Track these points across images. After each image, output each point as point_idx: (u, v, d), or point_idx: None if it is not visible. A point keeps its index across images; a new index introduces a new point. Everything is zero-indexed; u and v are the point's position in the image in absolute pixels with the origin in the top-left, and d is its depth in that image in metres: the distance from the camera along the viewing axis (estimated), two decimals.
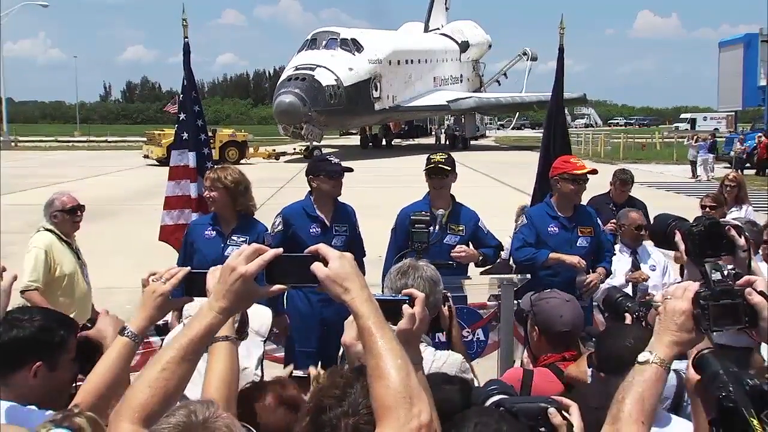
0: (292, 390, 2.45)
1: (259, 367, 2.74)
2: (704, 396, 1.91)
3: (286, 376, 2.82)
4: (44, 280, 5.42)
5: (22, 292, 5.25)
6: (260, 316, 2.80)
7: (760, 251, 4.60)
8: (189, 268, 2.39)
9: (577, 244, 5.43)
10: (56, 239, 5.56)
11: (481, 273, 6.10)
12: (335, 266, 1.74)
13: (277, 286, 1.81)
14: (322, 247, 1.79)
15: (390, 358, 1.64)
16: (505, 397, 2.11)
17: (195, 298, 2.32)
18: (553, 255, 5.30)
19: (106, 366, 2.26)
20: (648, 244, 6.05)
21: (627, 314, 3.84)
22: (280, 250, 1.83)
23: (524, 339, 3.89)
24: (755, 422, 1.73)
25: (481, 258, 5.51)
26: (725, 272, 1.96)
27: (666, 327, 1.85)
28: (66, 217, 5.61)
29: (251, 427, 1.72)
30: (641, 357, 1.85)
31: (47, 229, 5.59)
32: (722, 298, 1.82)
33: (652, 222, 2.56)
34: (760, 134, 32.82)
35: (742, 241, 2.27)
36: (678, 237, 2.26)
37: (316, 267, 1.75)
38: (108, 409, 2.23)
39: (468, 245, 5.45)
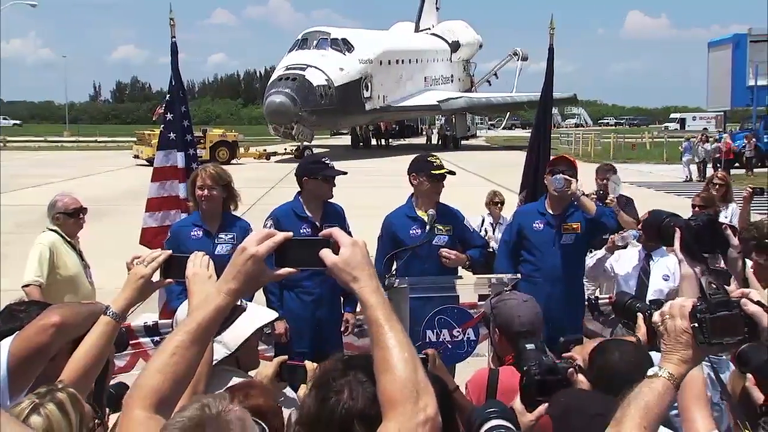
0: (258, 398, 2.37)
1: None
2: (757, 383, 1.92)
3: (256, 381, 2.75)
4: (48, 277, 5.47)
5: (25, 286, 5.35)
6: (240, 329, 2.69)
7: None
8: (170, 251, 2.42)
9: (561, 242, 5.47)
10: (60, 240, 5.62)
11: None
12: (346, 253, 1.73)
13: (286, 269, 1.81)
14: (336, 232, 1.78)
15: (397, 351, 1.65)
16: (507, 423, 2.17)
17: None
18: None
19: (90, 344, 2.34)
20: (671, 255, 5.95)
21: (639, 314, 3.86)
22: (291, 233, 1.82)
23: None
24: None
25: (468, 262, 5.50)
26: (717, 268, 1.96)
27: (672, 347, 1.84)
28: (68, 220, 5.68)
29: (263, 424, 1.74)
30: (650, 371, 1.84)
31: (51, 230, 5.66)
32: (719, 311, 1.79)
33: (645, 218, 2.59)
34: (725, 135, 33.09)
35: (736, 241, 2.29)
36: (677, 233, 2.29)
37: (325, 254, 1.74)
38: (89, 386, 2.32)
39: (455, 245, 5.45)
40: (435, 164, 5.37)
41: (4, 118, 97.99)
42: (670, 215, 2.41)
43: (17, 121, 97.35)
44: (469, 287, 5.26)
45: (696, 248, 2.18)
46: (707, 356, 1.88)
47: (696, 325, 1.80)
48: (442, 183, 5.39)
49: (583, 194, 5.47)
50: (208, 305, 1.82)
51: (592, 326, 5.79)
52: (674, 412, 2.33)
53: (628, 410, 1.79)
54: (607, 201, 7.04)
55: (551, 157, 5.83)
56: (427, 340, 4.58)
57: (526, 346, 2.74)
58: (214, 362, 2.68)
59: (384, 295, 1.74)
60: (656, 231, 2.42)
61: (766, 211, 12.90)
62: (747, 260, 5.14)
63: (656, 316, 1.92)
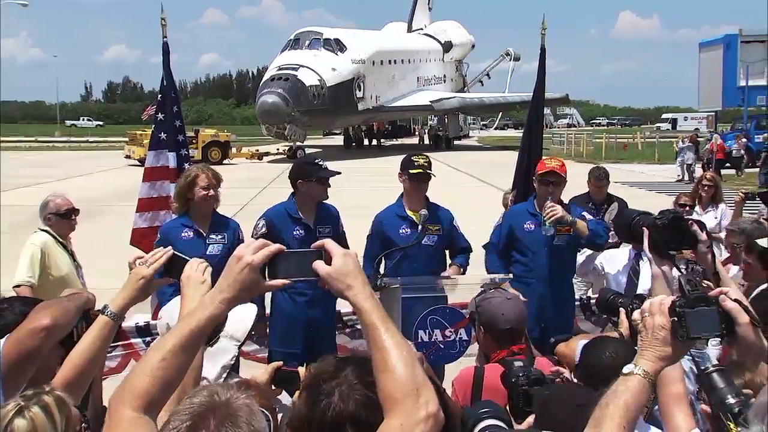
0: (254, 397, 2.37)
1: (224, 376, 2.63)
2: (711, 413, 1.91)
3: (251, 381, 2.75)
4: (39, 278, 5.45)
5: (16, 287, 5.33)
6: (241, 317, 2.72)
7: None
8: (171, 249, 2.44)
9: (554, 242, 5.49)
10: (52, 240, 5.60)
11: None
12: (338, 263, 1.79)
13: (279, 280, 1.85)
14: (328, 243, 1.83)
15: (395, 351, 1.70)
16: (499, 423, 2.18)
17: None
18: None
19: (87, 344, 2.34)
20: None
21: (621, 309, 3.88)
22: (284, 247, 1.86)
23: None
24: (733, 427, 1.74)
25: (461, 271, 5.53)
26: (692, 269, 1.97)
27: (649, 344, 1.85)
28: (60, 221, 5.67)
29: (268, 413, 1.76)
30: (626, 369, 1.85)
31: (43, 230, 5.65)
32: (697, 306, 1.81)
33: (615, 219, 2.60)
34: (716, 135, 33.19)
35: (704, 236, 2.31)
36: (645, 233, 2.31)
37: (319, 265, 1.80)
38: (85, 386, 2.31)
39: (444, 244, 5.48)
40: (416, 163, 5.38)
41: (88, 119, 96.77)
42: (640, 214, 2.41)
43: (100, 122, 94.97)
44: (463, 288, 5.28)
45: (663, 246, 2.19)
46: (684, 353, 1.90)
47: (675, 319, 1.82)
48: (425, 182, 5.40)
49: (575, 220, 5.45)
50: (201, 313, 1.84)
51: (584, 326, 5.81)
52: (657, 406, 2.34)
53: (606, 410, 1.80)
54: None
55: (542, 158, 5.85)
56: (420, 340, 4.59)
57: (514, 362, 2.76)
58: (232, 361, 2.70)
59: (377, 300, 1.79)
60: (627, 231, 2.43)
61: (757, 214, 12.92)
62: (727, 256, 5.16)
63: (636, 315, 1.94)
